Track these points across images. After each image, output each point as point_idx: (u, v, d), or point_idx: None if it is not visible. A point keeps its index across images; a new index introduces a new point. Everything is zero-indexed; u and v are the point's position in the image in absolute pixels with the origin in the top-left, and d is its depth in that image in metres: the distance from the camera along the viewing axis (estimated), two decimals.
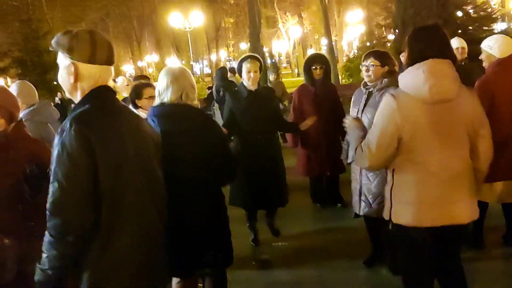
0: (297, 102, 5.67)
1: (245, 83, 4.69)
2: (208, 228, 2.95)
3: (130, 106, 3.91)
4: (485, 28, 13.97)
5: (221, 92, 10.78)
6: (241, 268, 3.61)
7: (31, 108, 4.40)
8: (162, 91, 2.94)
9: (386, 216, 2.76)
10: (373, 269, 4.20)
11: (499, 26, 18.45)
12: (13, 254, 2.56)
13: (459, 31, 12.63)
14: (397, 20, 14.24)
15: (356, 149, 2.75)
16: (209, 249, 2.95)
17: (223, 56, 49.10)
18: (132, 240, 2.01)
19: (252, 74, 4.60)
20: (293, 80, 26.96)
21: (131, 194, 2.01)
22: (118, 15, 40.66)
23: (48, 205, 1.87)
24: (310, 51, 41.57)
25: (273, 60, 31.65)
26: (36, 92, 4.64)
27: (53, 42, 2.02)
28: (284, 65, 50.58)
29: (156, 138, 2.27)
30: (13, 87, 4.55)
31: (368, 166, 2.72)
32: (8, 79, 25.83)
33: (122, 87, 6.46)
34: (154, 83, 3.69)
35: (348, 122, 2.95)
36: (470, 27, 13.91)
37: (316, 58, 5.74)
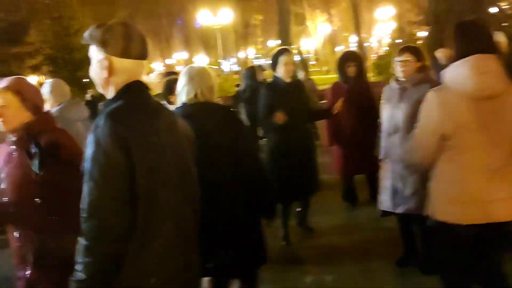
0: (331, 100, 5.60)
1: (280, 75, 4.70)
2: (239, 226, 2.90)
3: (163, 103, 3.89)
4: None
5: (247, 92, 10.72)
6: (270, 268, 3.54)
7: (61, 105, 4.44)
8: (179, 91, 2.98)
9: (428, 213, 2.73)
10: (405, 269, 4.13)
11: None
12: (32, 247, 2.56)
13: (493, 27, 12.32)
14: (430, 16, 14.00)
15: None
16: (242, 248, 2.90)
17: (251, 53, 49.09)
18: (168, 241, 1.94)
19: (290, 67, 4.66)
20: (322, 78, 26.81)
21: (167, 193, 1.93)
22: (148, 12, 40.99)
23: (84, 206, 1.80)
24: (339, 49, 41.27)
25: (302, 58, 31.47)
26: (68, 90, 4.69)
27: (86, 35, 1.96)
28: (313, 62, 50.32)
29: (190, 136, 2.19)
30: (46, 85, 4.60)
31: (414, 163, 2.72)
32: (34, 77, 26.30)
33: (155, 83, 6.47)
34: None
35: None
36: (505, 24, 13.57)
37: (350, 56, 5.69)
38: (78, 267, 1.82)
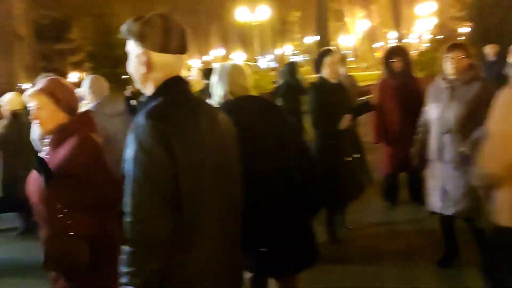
0: (378, 97, 5.52)
1: (326, 76, 4.65)
2: (284, 224, 2.82)
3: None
4: None
5: (286, 88, 10.66)
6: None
7: (98, 101, 4.54)
8: (212, 88, 2.95)
9: (489, 217, 2.58)
10: (447, 269, 4.06)
11: None
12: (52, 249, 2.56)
13: None
14: (473, 11, 13.59)
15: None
16: (286, 247, 2.82)
17: (288, 50, 48.92)
18: (214, 244, 1.86)
19: (335, 67, 4.61)
20: (360, 74, 26.53)
21: (211, 194, 1.84)
22: (186, 9, 41.35)
23: (128, 210, 1.72)
24: (378, 45, 40.67)
25: (340, 54, 31.16)
26: (107, 86, 4.77)
27: (123, 29, 1.88)
28: (351, 59, 49.79)
29: (233, 131, 2.08)
30: (85, 82, 4.71)
31: (487, 173, 2.39)
32: (75, 73, 26.88)
33: (195, 80, 6.50)
34: None
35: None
36: None
37: (395, 51, 5.55)
38: (125, 278, 1.73)
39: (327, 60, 4.61)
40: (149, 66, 1.84)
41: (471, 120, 3.44)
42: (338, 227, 5.06)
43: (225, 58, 44.20)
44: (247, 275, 2.95)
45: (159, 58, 1.83)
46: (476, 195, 2.73)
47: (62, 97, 2.66)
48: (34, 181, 2.60)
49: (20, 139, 5.32)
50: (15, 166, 5.45)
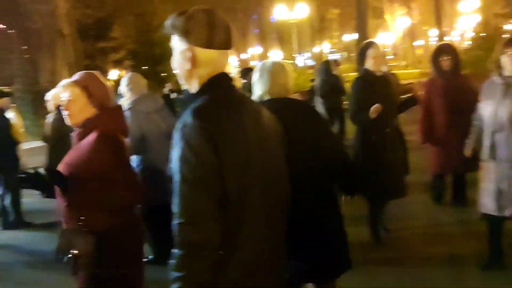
0: (425, 96, 5.41)
1: (371, 69, 4.59)
2: (320, 229, 2.76)
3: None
4: None
5: (325, 86, 10.61)
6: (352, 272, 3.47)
7: (135, 98, 4.68)
8: (253, 87, 2.88)
9: None
10: (491, 272, 3.97)
11: None
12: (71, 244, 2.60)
13: None
14: None
15: None
16: (322, 254, 2.76)
17: (326, 48, 48.55)
18: (258, 247, 1.80)
19: (379, 59, 4.55)
20: (400, 73, 26.09)
21: (257, 195, 1.78)
22: (225, 7, 41.54)
23: (178, 211, 1.67)
24: (418, 43, 39.92)
25: None
26: (145, 83, 4.89)
27: (167, 24, 1.83)
28: (390, 57, 49.00)
29: (278, 130, 2.01)
30: (124, 79, 4.85)
31: None
32: (116, 71, 27.34)
33: (236, 77, 6.57)
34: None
35: None
36: None
37: (444, 49, 5.42)
38: (176, 283, 1.66)
39: (370, 52, 4.55)
40: (194, 62, 1.79)
41: None
42: (382, 226, 5.00)
43: (263, 56, 44.17)
44: None
45: (204, 54, 1.79)
46: None
47: (95, 92, 2.67)
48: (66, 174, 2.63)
49: (65, 132, 5.49)
50: (58, 160, 5.62)
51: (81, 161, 2.59)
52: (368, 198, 4.76)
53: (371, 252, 4.70)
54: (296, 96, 3.03)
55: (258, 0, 39.81)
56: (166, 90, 18.25)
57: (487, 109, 3.74)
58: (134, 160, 4.80)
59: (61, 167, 2.66)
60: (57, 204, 2.69)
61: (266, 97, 2.81)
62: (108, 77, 24.27)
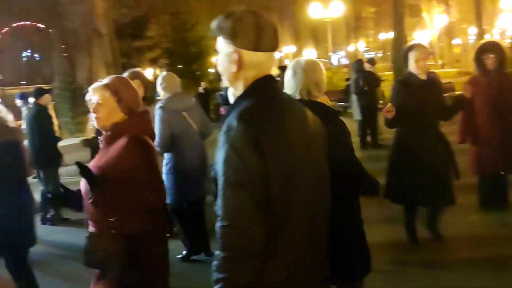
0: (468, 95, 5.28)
1: (414, 72, 4.47)
2: (334, 235, 2.74)
3: None
4: None
5: (361, 83, 10.52)
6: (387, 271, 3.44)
7: (168, 97, 4.78)
8: (285, 86, 2.82)
9: None
10: None
11: None
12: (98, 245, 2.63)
13: None
14: None
15: None
16: (345, 257, 2.70)
17: (361, 46, 48.07)
18: (300, 251, 1.78)
19: (421, 63, 4.39)
20: (437, 72, 25.63)
21: (301, 199, 1.76)
22: (260, 6, 41.56)
23: (222, 213, 1.67)
24: (456, 42, 39.09)
25: None
26: (179, 82, 4.98)
27: (213, 26, 1.81)
28: None
29: (322, 132, 1.98)
30: (159, 78, 4.95)
31: None
32: (151, 69, 27.67)
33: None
34: None
35: None
36: None
37: (488, 46, 5.26)
38: (217, 285, 1.67)
39: (413, 55, 4.44)
40: (240, 64, 1.77)
41: None
42: (432, 232, 4.86)
43: (297, 55, 44.01)
44: None
45: (251, 56, 1.77)
46: None
47: (125, 97, 2.69)
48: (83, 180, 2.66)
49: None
50: None
51: (111, 164, 2.62)
52: (400, 202, 4.67)
53: (408, 254, 4.64)
54: (324, 99, 2.95)
55: None
56: (200, 88, 18.39)
57: None
58: (164, 157, 4.87)
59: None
60: (85, 207, 2.72)
61: (297, 97, 2.76)
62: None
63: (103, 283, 2.69)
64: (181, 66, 25.02)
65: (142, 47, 26.59)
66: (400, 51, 17.44)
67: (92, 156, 6.05)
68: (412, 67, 4.46)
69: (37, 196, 6.60)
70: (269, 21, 1.81)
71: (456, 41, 41.27)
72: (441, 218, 4.84)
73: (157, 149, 4.12)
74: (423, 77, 4.45)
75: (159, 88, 4.97)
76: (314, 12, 27.94)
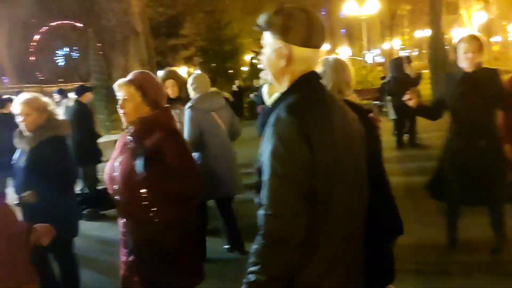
0: None
1: (461, 65, 4.32)
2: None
3: None
4: None
5: (391, 86, 10.36)
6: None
7: (197, 96, 4.84)
8: None
9: None
10: None
11: None
12: (132, 235, 2.74)
13: None
14: None
15: None
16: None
17: (396, 45, 47.37)
18: (340, 247, 1.81)
19: (469, 55, 4.20)
20: None
21: (342, 195, 1.78)
22: (293, 3, 41.40)
23: (266, 203, 1.69)
24: (495, 39, 38.14)
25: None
26: (208, 82, 5.07)
27: (261, 21, 1.83)
28: None
29: (362, 130, 1.99)
30: (190, 78, 5.03)
31: None
32: (185, 67, 27.89)
33: None
34: None
35: None
36: None
37: None
38: (254, 268, 1.71)
39: (461, 46, 4.27)
40: (289, 60, 1.80)
41: None
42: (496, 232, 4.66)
43: (331, 53, 43.66)
44: None
45: (300, 52, 1.80)
46: None
47: (150, 91, 2.75)
48: (122, 170, 2.72)
49: None
50: None
51: (154, 156, 2.66)
52: (446, 202, 4.60)
53: (449, 255, 4.57)
54: (353, 97, 2.91)
55: None
56: (234, 87, 18.46)
57: None
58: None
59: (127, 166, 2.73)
60: (119, 198, 2.77)
61: None
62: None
63: (138, 273, 2.75)
64: (215, 64, 25.20)
65: (177, 45, 26.92)
66: (437, 49, 17.15)
67: None
68: (459, 59, 4.30)
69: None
70: (318, 18, 1.83)
71: (495, 38, 40.24)
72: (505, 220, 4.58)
73: None
74: (469, 70, 4.26)
75: (190, 88, 5.03)
76: (348, 9, 27.68)
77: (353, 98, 2.89)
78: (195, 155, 4.88)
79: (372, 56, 41.85)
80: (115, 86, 2.78)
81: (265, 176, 1.71)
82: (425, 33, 35.81)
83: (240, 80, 21.71)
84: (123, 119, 2.79)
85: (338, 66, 2.79)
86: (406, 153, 9.78)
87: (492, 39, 38.37)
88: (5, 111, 7.26)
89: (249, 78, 22.47)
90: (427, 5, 22.25)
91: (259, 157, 1.79)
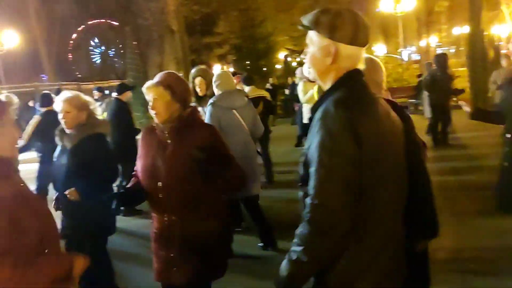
0: None
1: None
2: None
3: None
4: None
5: (432, 82, 10.16)
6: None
7: (219, 94, 4.85)
8: None
9: None
10: None
11: None
12: (177, 231, 2.80)
13: None
14: None
15: None
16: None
17: (433, 42, 46.51)
18: (384, 240, 1.85)
19: None
20: None
21: (387, 189, 1.83)
22: (328, 1, 41.14)
23: (313, 194, 1.75)
24: None
25: (495, 46, 28.88)
26: (233, 81, 5.09)
27: (307, 20, 1.90)
28: (504, 51, 45.86)
29: (402, 128, 2.02)
30: (215, 75, 5.10)
31: None
32: (218, 65, 28.00)
33: None
34: None
35: None
36: None
37: None
38: (298, 248, 1.78)
39: None
40: (336, 57, 1.86)
41: None
42: None
43: (366, 50, 43.17)
44: None
45: (347, 50, 1.85)
46: None
47: (178, 90, 2.84)
48: (173, 167, 2.78)
49: None
50: None
51: (208, 150, 2.77)
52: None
53: (484, 257, 4.49)
54: (385, 93, 2.87)
55: None
56: (268, 85, 18.45)
57: None
58: None
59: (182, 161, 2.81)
60: (168, 196, 2.81)
61: None
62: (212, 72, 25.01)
63: (178, 266, 2.84)
64: (249, 62, 25.25)
65: (211, 43, 27.06)
66: (476, 46, 16.73)
67: None
68: None
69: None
70: (363, 18, 1.90)
71: None
72: None
73: None
74: None
75: (214, 86, 5.06)
76: (385, 6, 27.31)
77: (385, 95, 2.85)
78: None
79: (408, 54, 41.18)
80: (144, 89, 2.88)
81: (312, 167, 1.76)
82: (463, 29, 35.01)
83: (274, 78, 21.70)
84: (156, 119, 2.88)
85: (369, 66, 2.74)
86: (439, 154, 9.60)
87: None
88: (51, 108, 7.44)
89: (283, 76, 22.44)
90: (466, 1, 21.78)
91: (305, 150, 1.85)
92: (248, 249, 5.17)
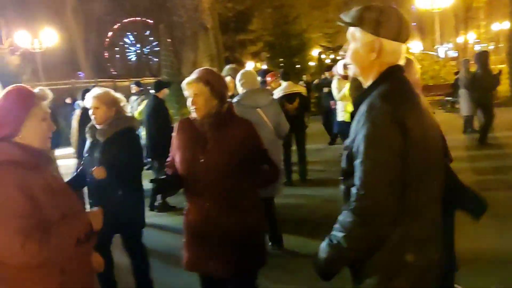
0: None
1: None
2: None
3: None
4: None
5: (472, 80, 9.93)
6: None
7: (243, 93, 4.85)
8: None
9: None
10: None
11: None
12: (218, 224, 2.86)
13: None
14: None
15: None
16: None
17: (471, 38, 45.47)
18: (424, 234, 1.88)
19: None
20: None
21: (430, 182, 1.88)
22: None
23: (359, 185, 1.80)
24: None
25: None
26: (257, 80, 5.09)
27: (351, 17, 1.95)
28: None
29: (438, 124, 2.06)
30: (239, 74, 5.09)
31: None
32: (251, 62, 27.98)
33: None
34: None
35: None
36: None
37: None
38: (338, 234, 1.84)
39: None
40: (380, 53, 1.91)
41: None
42: None
43: None
44: None
45: (391, 45, 1.91)
46: None
47: (216, 85, 2.92)
48: (212, 158, 2.84)
49: None
50: None
51: (242, 146, 2.88)
52: None
53: None
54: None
55: None
56: (301, 82, 18.34)
57: None
58: None
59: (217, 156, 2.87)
60: (211, 188, 2.87)
61: None
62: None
63: (217, 257, 2.89)
64: (282, 59, 25.17)
65: (245, 40, 27.08)
66: None
67: None
68: None
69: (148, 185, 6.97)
70: (404, 16, 1.95)
71: None
72: None
73: None
74: None
75: (238, 84, 5.05)
76: (421, 2, 26.82)
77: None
78: None
79: (445, 51, 40.38)
80: (183, 85, 2.95)
81: (358, 159, 1.81)
82: (503, 25, 34.09)
83: (308, 75, 21.59)
84: (195, 114, 2.94)
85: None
86: (477, 153, 9.37)
87: None
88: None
89: (317, 73, 22.29)
90: None
91: (349, 144, 1.90)
92: None
